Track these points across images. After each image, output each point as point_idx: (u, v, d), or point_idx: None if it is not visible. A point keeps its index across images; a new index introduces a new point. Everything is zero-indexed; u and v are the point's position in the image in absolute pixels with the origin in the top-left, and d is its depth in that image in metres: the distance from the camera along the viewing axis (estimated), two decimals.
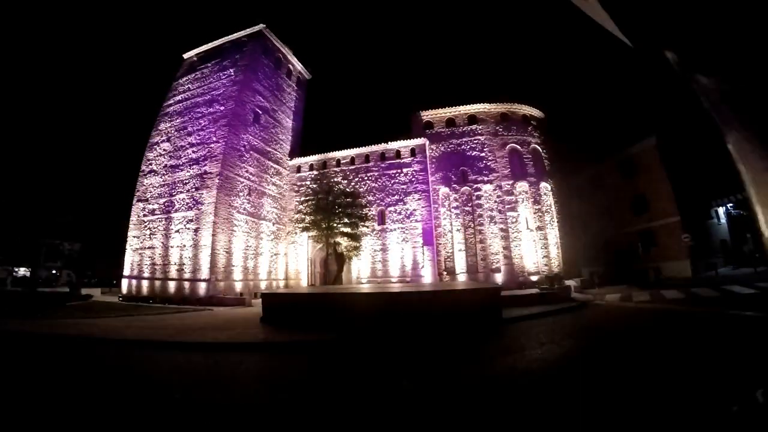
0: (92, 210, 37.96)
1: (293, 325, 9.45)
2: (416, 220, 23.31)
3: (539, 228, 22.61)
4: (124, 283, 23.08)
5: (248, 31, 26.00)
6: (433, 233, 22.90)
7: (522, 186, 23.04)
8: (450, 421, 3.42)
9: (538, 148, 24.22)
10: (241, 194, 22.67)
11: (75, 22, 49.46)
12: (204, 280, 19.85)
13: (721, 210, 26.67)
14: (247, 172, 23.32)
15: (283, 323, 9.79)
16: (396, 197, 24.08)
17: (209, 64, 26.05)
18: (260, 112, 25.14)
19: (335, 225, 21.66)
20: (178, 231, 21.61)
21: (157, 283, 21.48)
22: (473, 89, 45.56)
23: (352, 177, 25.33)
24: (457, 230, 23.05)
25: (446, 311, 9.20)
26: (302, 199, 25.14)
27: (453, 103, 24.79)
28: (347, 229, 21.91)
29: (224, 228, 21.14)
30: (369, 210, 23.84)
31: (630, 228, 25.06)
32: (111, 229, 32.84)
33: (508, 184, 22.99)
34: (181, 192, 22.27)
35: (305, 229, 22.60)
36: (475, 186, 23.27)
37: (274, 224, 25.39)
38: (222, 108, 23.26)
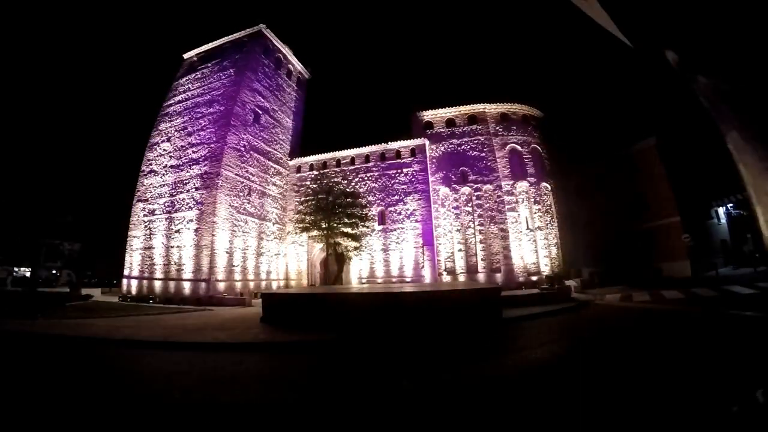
0: (92, 210, 37.94)
1: (293, 325, 9.46)
2: (416, 220, 23.31)
3: (539, 228, 22.62)
4: (124, 283, 23.14)
5: (248, 31, 26.02)
6: (433, 233, 22.91)
7: (522, 186, 23.05)
8: (450, 421, 3.42)
9: (539, 148, 24.22)
10: (241, 194, 22.68)
11: (75, 22, 49.52)
12: (204, 280, 19.87)
13: (721, 210, 26.66)
14: (247, 172, 23.33)
15: (284, 323, 9.80)
16: (396, 197, 24.08)
17: (209, 64, 26.07)
18: (260, 112, 25.15)
19: (335, 225, 21.69)
20: (178, 231, 21.63)
21: (158, 283, 21.51)
22: (473, 89, 45.48)
23: (352, 177, 25.34)
24: (457, 230, 23.06)
25: (446, 311, 9.19)
26: (302, 199, 25.18)
27: (453, 103, 24.80)
28: (347, 230, 21.94)
29: (224, 228, 21.15)
30: (369, 210, 23.86)
31: (630, 228, 25.06)
32: (111, 229, 32.79)
33: (509, 184, 23.00)
34: (182, 192, 22.30)
35: (305, 229, 22.62)
36: (476, 186, 23.27)
37: (274, 224, 25.40)
38: (222, 108, 23.27)
